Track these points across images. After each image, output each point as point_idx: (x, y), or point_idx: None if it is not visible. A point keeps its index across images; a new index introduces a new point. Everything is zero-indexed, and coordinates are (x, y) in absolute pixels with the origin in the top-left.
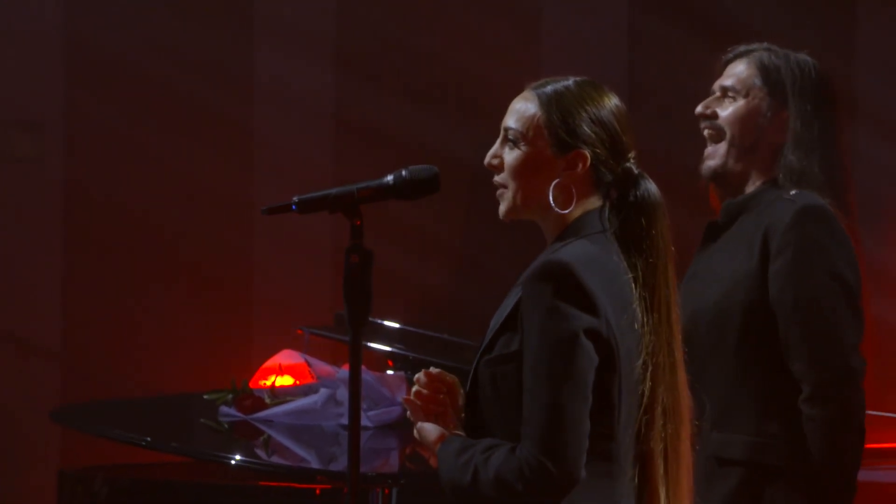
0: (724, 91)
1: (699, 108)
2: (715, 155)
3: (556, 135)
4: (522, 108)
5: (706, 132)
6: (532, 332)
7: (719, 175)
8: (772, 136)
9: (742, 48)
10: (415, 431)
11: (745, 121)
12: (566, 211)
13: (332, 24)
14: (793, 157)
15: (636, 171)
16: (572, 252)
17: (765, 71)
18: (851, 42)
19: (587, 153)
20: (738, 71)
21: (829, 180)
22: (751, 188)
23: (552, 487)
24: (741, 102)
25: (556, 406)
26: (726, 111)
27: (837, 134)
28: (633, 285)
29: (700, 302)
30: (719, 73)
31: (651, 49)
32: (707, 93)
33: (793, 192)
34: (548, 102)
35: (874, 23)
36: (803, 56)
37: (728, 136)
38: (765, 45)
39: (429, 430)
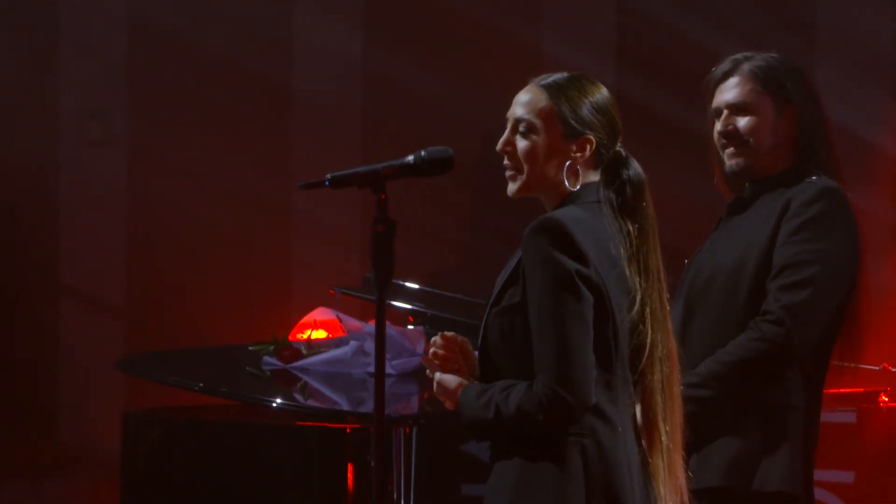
0: (734, 108)
1: (719, 129)
2: (740, 155)
3: (566, 123)
4: (533, 101)
5: (729, 149)
6: (533, 279)
7: (747, 170)
8: (785, 133)
9: (725, 65)
10: (434, 384)
11: (763, 128)
12: (576, 188)
13: (359, 36)
14: (806, 143)
15: (625, 154)
16: (562, 212)
17: (762, 79)
18: (812, 28)
19: (593, 138)
20: (736, 87)
21: (829, 155)
22: (772, 173)
23: (569, 413)
24: (755, 115)
25: (562, 340)
26: (744, 123)
27: (824, 113)
28: (625, 247)
29: (718, 263)
30: (709, 95)
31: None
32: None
33: (814, 177)
34: (555, 94)
35: (833, 12)
36: (775, 55)
37: (752, 144)
38: (741, 55)
39: (448, 379)
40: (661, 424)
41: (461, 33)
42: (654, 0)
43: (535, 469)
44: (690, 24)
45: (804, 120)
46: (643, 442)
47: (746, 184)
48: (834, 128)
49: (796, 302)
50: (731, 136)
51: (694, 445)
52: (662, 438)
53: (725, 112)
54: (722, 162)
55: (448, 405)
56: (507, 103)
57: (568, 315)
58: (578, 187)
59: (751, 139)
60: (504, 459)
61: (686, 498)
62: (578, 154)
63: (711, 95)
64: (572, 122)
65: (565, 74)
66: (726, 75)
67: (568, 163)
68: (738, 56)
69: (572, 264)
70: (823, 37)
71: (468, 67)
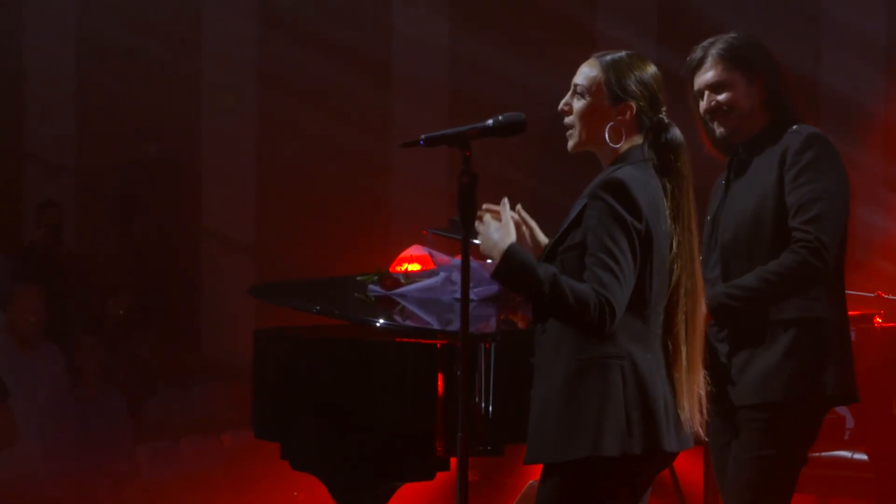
0: (713, 88)
1: (704, 108)
2: (726, 122)
3: (611, 90)
4: (588, 71)
5: (717, 120)
6: (594, 222)
7: (733, 133)
8: (758, 96)
9: (697, 53)
10: (486, 225)
11: (740, 98)
12: (617, 146)
13: (446, 26)
14: (774, 99)
15: (667, 121)
16: (625, 173)
17: (728, 58)
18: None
19: (633, 104)
20: (710, 70)
21: (794, 104)
22: (757, 130)
23: (611, 318)
24: (731, 88)
25: (614, 261)
26: (724, 97)
27: (784, 72)
28: (665, 201)
29: (740, 214)
30: (690, 79)
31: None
32: None
33: (794, 126)
34: (606, 67)
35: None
36: (735, 34)
37: (734, 113)
38: (707, 41)
39: (510, 228)
40: (682, 348)
41: (532, 20)
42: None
43: (582, 378)
44: (717, 11)
45: (770, 83)
46: (668, 362)
47: (740, 146)
48: (793, 79)
49: (818, 227)
50: (715, 110)
51: (748, 365)
52: (683, 360)
53: (706, 92)
54: (711, 131)
55: (488, 247)
56: (569, 76)
57: (620, 245)
58: (626, 148)
59: (733, 108)
60: (554, 367)
61: (704, 410)
62: (619, 117)
63: (692, 80)
64: (616, 89)
65: (620, 52)
66: (700, 62)
67: (611, 123)
68: (705, 43)
69: (630, 219)
70: (826, 20)
71: (537, 47)
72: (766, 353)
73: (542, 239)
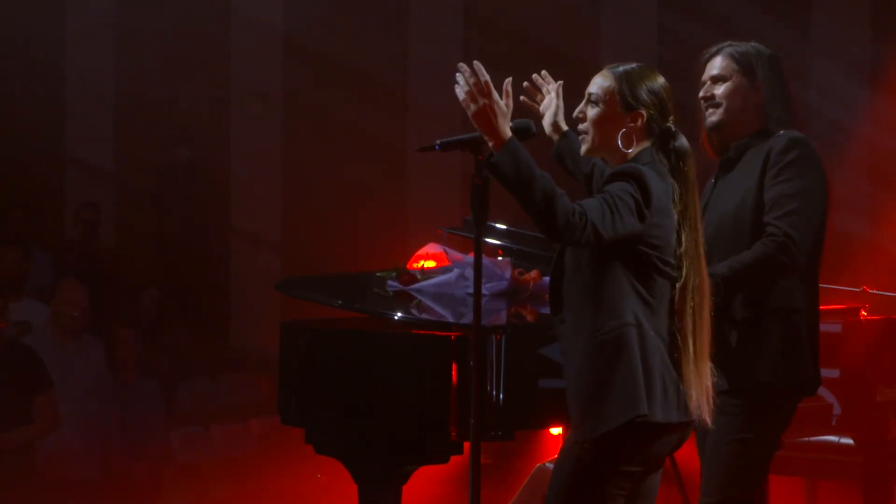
0: (714, 79)
1: (701, 94)
2: (715, 114)
3: (624, 99)
4: (601, 81)
5: (709, 110)
6: (609, 188)
7: (719, 125)
8: (754, 100)
9: (713, 48)
10: (491, 104)
11: (734, 95)
12: (628, 151)
13: (461, 25)
14: (770, 108)
15: (674, 129)
16: (643, 167)
17: (737, 59)
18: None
19: (644, 113)
20: (718, 64)
21: (790, 116)
22: (748, 134)
23: (587, 239)
24: (728, 84)
25: (612, 204)
26: (720, 90)
27: (787, 86)
28: (674, 201)
29: (723, 211)
30: (702, 70)
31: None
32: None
33: (781, 132)
34: (619, 78)
35: (824, 20)
36: (754, 44)
37: (724, 106)
38: (727, 42)
39: (506, 118)
40: (690, 340)
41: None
42: (688, 22)
43: (605, 352)
44: (713, 33)
45: (768, 91)
46: (677, 354)
47: (731, 145)
48: (798, 100)
49: (789, 223)
50: (709, 99)
51: (726, 352)
52: (691, 352)
53: (708, 82)
54: (704, 119)
55: (488, 130)
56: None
57: (622, 200)
58: (636, 152)
59: (724, 102)
60: (576, 349)
61: (711, 399)
62: (631, 124)
63: (702, 71)
64: (629, 98)
65: (632, 64)
66: (712, 56)
67: (623, 130)
68: (724, 43)
69: (641, 202)
70: (816, 40)
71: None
72: (743, 341)
73: (563, 125)
